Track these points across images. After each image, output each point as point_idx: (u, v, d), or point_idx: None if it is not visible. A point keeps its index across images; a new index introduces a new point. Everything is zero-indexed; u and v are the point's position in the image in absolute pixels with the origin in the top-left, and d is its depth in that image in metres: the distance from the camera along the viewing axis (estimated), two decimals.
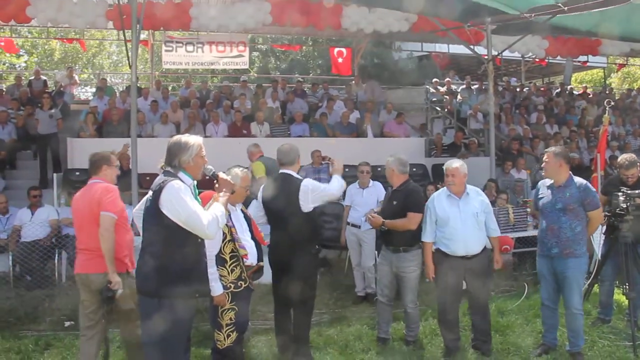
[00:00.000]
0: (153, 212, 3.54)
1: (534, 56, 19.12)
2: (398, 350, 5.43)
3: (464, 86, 16.65)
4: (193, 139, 3.69)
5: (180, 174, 3.60)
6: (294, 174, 5.09)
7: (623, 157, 6.13)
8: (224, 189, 3.79)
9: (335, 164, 5.14)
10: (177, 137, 3.71)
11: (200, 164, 3.71)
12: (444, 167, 5.36)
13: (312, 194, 4.92)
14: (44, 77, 15.93)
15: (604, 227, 6.21)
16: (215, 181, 3.83)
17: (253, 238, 4.63)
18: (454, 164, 5.27)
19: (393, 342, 5.63)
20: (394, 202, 5.46)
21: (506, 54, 18.72)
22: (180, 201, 3.47)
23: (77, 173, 10.76)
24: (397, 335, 5.78)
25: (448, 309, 5.34)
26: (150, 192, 3.63)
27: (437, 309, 5.48)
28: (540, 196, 5.37)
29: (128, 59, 9.20)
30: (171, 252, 3.55)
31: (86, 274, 4.64)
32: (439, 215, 5.28)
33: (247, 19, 11.16)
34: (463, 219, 5.18)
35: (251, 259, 4.55)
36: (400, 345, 5.55)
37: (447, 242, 5.24)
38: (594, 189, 5.42)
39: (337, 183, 4.99)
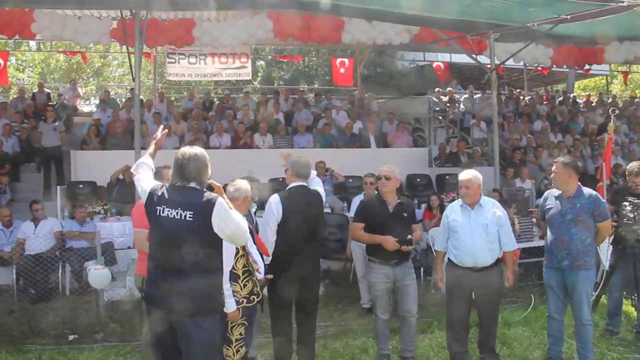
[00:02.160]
0: (197, 230, 3.49)
1: (536, 65, 19.23)
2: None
3: (467, 95, 16.65)
4: (203, 151, 3.70)
5: (209, 192, 3.62)
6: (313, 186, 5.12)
7: (633, 164, 6.11)
8: (224, 196, 3.77)
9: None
10: (196, 152, 3.65)
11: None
12: (458, 179, 5.29)
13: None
14: (47, 90, 15.98)
15: (611, 238, 6.18)
16: (210, 191, 3.82)
17: (257, 250, 4.61)
18: (467, 175, 5.21)
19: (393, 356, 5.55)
20: (405, 215, 5.35)
21: (509, 63, 18.88)
22: (231, 217, 3.52)
23: (81, 185, 10.79)
24: (394, 350, 5.66)
25: (455, 320, 5.30)
26: (177, 211, 3.51)
27: (446, 319, 5.42)
28: (548, 206, 5.29)
29: (131, 72, 9.24)
30: (215, 267, 3.60)
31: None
32: (450, 224, 5.26)
33: (249, 37, 11.23)
34: (472, 230, 5.12)
35: (261, 273, 4.54)
36: None
37: (455, 252, 5.22)
38: (604, 200, 5.37)
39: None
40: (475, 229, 5.13)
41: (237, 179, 4.72)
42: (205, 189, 3.60)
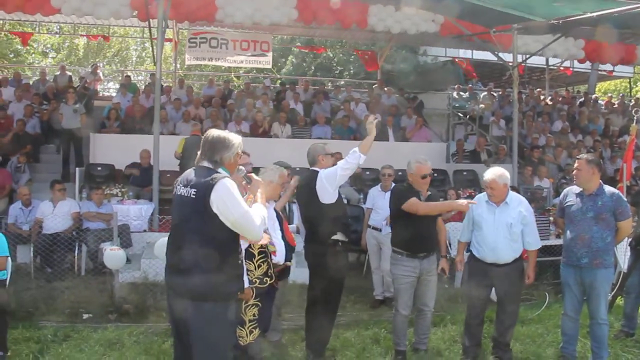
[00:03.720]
0: (201, 211, 3.37)
1: (558, 64, 19.03)
2: (415, 356, 5.35)
3: (485, 93, 16.53)
4: (235, 137, 3.60)
5: (222, 171, 3.49)
6: (320, 169, 5.02)
7: None
8: (258, 190, 3.75)
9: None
10: (218, 133, 3.59)
11: (237, 162, 3.65)
12: (485, 177, 5.23)
13: (326, 180, 4.90)
14: (69, 73, 16.12)
15: (630, 239, 6.12)
16: (246, 182, 3.80)
17: (283, 238, 4.60)
18: (491, 175, 5.15)
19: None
20: None
21: (530, 61, 18.69)
22: (234, 200, 3.36)
23: (99, 168, 10.89)
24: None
25: (473, 313, 5.30)
26: (187, 189, 3.46)
27: (466, 311, 5.40)
28: (568, 203, 5.22)
29: (153, 56, 9.27)
30: (222, 253, 3.41)
31: None
32: (475, 219, 5.26)
33: (273, 10, 11.13)
34: (496, 227, 5.11)
35: (279, 258, 4.53)
36: (416, 352, 5.42)
37: (477, 247, 5.23)
38: (625, 199, 5.30)
39: (351, 155, 4.92)
40: (499, 227, 5.11)
41: (270, 165, 4.70)
42: (218, 170, 3.49)
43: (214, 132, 3.61)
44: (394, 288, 5.40)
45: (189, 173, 3.57)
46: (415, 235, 5.10)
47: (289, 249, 4.72)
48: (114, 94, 16.21)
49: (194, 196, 3.40)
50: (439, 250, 5.37)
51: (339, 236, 4.96)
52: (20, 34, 19.88)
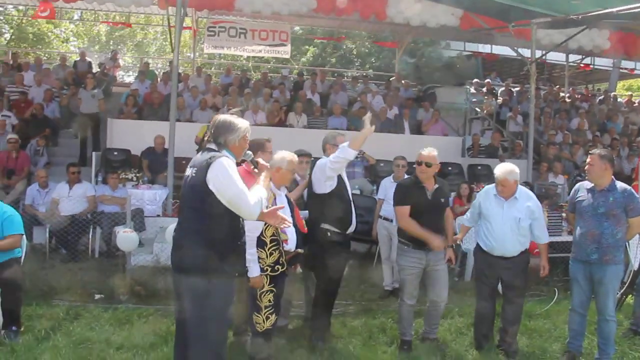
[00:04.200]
0: (198, 189, 3.45)
1: (578, 61, 18.83)
2: (421, 346, 5.37)
3: (503, 88, 16.43)
4: (241, 122, 3.66)
5: (224, 152, 3.55)
6: (346, 143, 5.01)
7: None
8: (263, 174, 3.81)
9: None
10: (225, 116, 3.67)
11: (244, 146, 3.70)
12: (497, 175, 5.20)
13: (318, 170, 5.02)
14: (89, 59, 16.26)
15: None
16: (253, 167, 3.84)
17: (295, 225, 4.63)
18: (502, 174, 5.14)
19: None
20: (442, 200, 5.26)
21: (550, 58, 18.52)
22: (229, 178, 3.42)
23: (116, 153, 11.00)
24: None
25: (484, 302, 5.33)
26: (191, 169, 3.57)
27: (476, 303, 5.44)
28: (579, 199, 5.19)
29: (171, 43, 9.33)
30: (216, 231, 3.49)
31: None
32: (483, 211, 5.28)
33: (292, 0, 11.18)
34: (504, 221, 5.13)
35: (290, 245, 4.56)
36: (424, 341, 5.45)
37: (486, 240, 5.25)
38: (638, 195, 5.26)
39: (341, 150, 4.96)
40: (508, 221, 5.13)
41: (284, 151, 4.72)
42: (221, 151, 3.55)
43: (220, 116, 3.70)
44: (400, 278, 5.43)
45: (196, 155, 3.66)
46: (421, 227, 5.09)
47: (300, 235, 4.75)
48: (132, 81, 16.35)
49: (194, 175, 3.51)
50: (447, 239, 5.36)
51: (327, 226, 5.03)
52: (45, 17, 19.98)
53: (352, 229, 5.24)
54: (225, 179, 3.41)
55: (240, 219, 3.65)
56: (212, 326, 3.53)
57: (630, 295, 6.27)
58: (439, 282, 5.26)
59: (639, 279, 6.03)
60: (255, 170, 3.84)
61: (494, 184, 5.35)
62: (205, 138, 3.65)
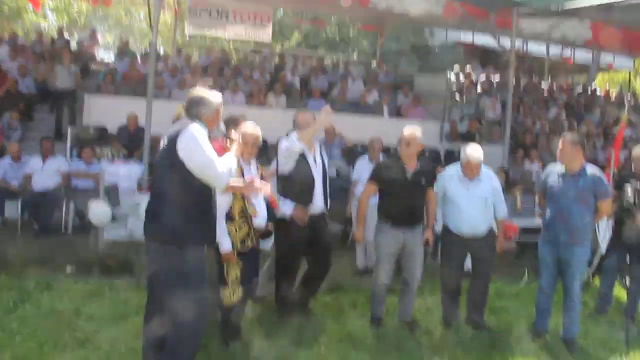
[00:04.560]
0: (169, 158, 3.50)
1: (559, 53, 19.00)
2: (391, 322, 5.43)
3: (484, 77, 16.53)
4: (214, 95, 3.74)
5: (196, 122, 3.59)
6: (295, 135, 5.02)
7: (638, 149, 6.07)
8: (233, 146, 3.86)
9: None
10: (199, 90, 3.75)
11: (217, 120, 3.76)
12: (466, 157, 5.23)
13: (279, 153, 5.09)
14: (67, 36, 16.01)
15: (611, 222, 6.19)
16: (226, 141, 3.86)
17: (266, 200, 4.62)
18: (476, 154, 5.20)
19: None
20: (423, 181, 5.23)
21: (531, 50, 18.67)
22: (198, 146, 3.45)
23: (91, 129, 10.86)
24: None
25: (451, 282, 5.40)
26: (163, 140, 3.62)
27: (440, 281, 5.52)
28: (550, 182, 5.28)
29: (150, 22, 9.22)
30: (187, 200, 3.53)
31: None
32: (449, 194, 5.31)
33: None
34: (471, 201, 5.21)
35: (260, 220, 4.56)
36: (393, 320, 5.51)
37: (454, 221, 5.30)
38: (607, 180, 5.35)
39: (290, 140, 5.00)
40: (474, 200, 5.22)
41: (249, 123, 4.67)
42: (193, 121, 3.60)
43: (195, 91, 3.75)
44: (376, 256, 5.43)
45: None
46: (400, 207, 5.14)
47: (271, 211, 4.75)
48: (110, 60, 16.14)
49: (165, 145, 3.56)
50: (427, 221, 5.40)
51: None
52: None
53: (315, 209, 5.18)
54: (194, 146, 3.45)
55: (212, 190, 3.66)
56: (186, 295, 3.52)
57: (597, 278, 6.37)
58: (414, 262, 5.29)
59: (605, 261, 6.13)
60: (227, 143, 3.86)
61: (454, 166, 5.42)
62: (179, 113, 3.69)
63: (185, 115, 3.68)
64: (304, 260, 5.41)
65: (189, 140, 3.46)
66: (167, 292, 3.56)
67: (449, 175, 5.40)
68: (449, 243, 5.41)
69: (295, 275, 5.37)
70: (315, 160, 5.20)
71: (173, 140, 3.48)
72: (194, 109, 3.65)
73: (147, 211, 3.69)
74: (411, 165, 5.18)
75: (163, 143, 3.62)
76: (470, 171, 5.22)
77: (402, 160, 5.19)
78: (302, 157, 5.11)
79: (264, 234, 4.77)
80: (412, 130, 5.19)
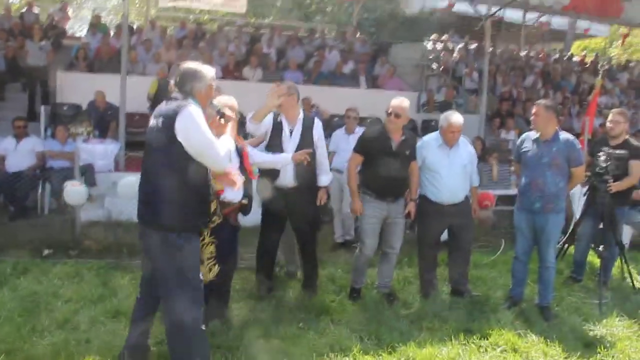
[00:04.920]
0: (166, 139, 3.35)
1: (535, 19, 18.97)
2: (369, 294, 5.49)
3: (462, 45, 16.50)
4: (207, 69, 3.58)
5: (190, 101, 3.44)
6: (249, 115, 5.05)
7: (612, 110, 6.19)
8: (229, 124, 3.78)
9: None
10: (190, 64, 3.59)
11: (210, 95, 3.63)
12: (447, 121, 5.26)
13: None
14: (36, 11, 15.61)
15: (585, 189, 6.28)
16: (219, 117, 3.79)
17: (243, 172, 4.55)
18: (458, 119, 5.25)
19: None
20: (407, 152, 5.27)
21: (508, 17, 18.58)
22: (198, 128, 3.33)
23: (65, 107, 10.71)
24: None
25: (430, 252, 5.50)
26: (156, 119, 3.46)
27: (418, 252, 5.60)
28: (524, 149, 5.34)
29: None
30: (184, 184, 3.41)
31: None
32: (429, 162, 5.34)
33: None
34: (452, 170, 5.27)
35: (232, 196, 4.48)
36: (371, 292, 5.57)
37: (433, 190, 5.33)
38: (580, 146, 5.41)
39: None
40: (455, 168, 5.29)
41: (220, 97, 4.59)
42: (187, 99, 3.45)
43: (186, 64, 3.60)
44: (360, 228, 5.43)
45: (161, 104, 3.56)
46: (385, 178, 5.17)
47: (250, 184, 4.70)
48: (83, 35, 15.81)
49: (160, 125, 3.40)
50: (410, 192, 5.44)
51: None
52: None
53: (283, 182, 5.15)
54: (194, 129, 3.33)
55: (208, 173, 3.61)
56: (184, 280, 3.48)
57: (572, 246, 6.48)
58: (394, 234, 5.35)
59: (579, 228, 6.23)
60: (222, 120, 3.78)
61: (433, 135, 5.46)
62: (169, 88, 3.56)
63: (177, 91, 3.51)
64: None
65: (188, 121, 3.32)
66: (165, 278, 3.50)
67: (428, 143, 5.43)
68: (427, 212, 5.43)
69: (274, 249, 5.42)
70: (291, 133, 5.17)
71: (170, 120, 3.34)
72: (188, 84, 3.48)
73: (140, 195, 3.59)
74: (396, 137, 5.20)
75: (156, 122, 3.45)
76: (452, 136, 5.25)
77: (387, 132, 5.20)
78: (278, 130, 5.14)
79: (242, 209, 4.71)
80: (401, 101, 5.20)
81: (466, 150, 5.40)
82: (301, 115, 5.22)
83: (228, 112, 3.82)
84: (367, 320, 4.89)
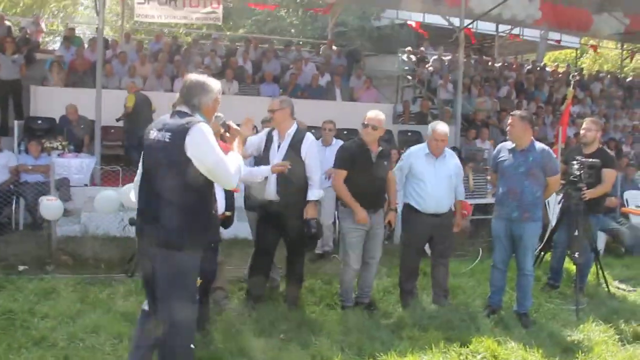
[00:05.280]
0: (175, 155, 3.27)
1: (507, 31, 19.32)
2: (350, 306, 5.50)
3: (436, 56, 16.69)
4: (214, 82, 3.52)
5: (197, 116, 3.39)
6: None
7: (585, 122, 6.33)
8: (236, 139, 3.71)
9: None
10: (197, 76, 3.50)
11: (216, 108, 3.56)
12: (433, 130, 5.36)
13: None
14: (8, 23, 15.43)
15: (560, 197, 6.38)
16: (224, 131, 3.76)
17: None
18: (444, 128, 5.37)
19: None
20: (385, 162, 5.35)
21: (481, 28, 18.88)
22: (209, 146, 3.27)
23: (39, 121, 10.62)
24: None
25: (412, 261, 5.54)
26: (162, 133, 3.35)
27: (400, 261, 5.64)
28: (501, 159, 5.43)
29: (96, 7, 8.99)
30: (190, 201, 3.34)
31: None
32: (415, 172, 5.40)
33: None
34: (438, 179, 5.33)
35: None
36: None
37: (418, 199, 5.38)
38: (555, 155, 5.52)
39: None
40: (441, 178, 5.36)
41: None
42: (194, 114, 3.39)
43: (192, 76, 3.52)
44: (345, 243, 5.39)
45: (164, 118, 3.48)
46: (366, 190, 5.21)
47: (232, 197, 4.71)
48: (57, 48, 15.67)
49: (168, 140, 3.31)
50: (389, 202, 5.48)
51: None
52: None
53: (269, 195, 5.14)
54: (206, 146, 3.26)
55: (212, 189, 3.58)
56: (185, 296, 3.41)
57: (548, 253, 6.57)
58: (375, 244, 5.39)
59: (555, 235, 6.33)
60: (227, 134, 3.77)
61: (421, 145, 5.53)
62: (176, 100, 3.49)
63: (183, 104, 3.43)
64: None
65: (200, 139, 3.25)
66: (167, 294, 3.39)
67: (415, 152, 5.52)
68: (411, 221, 5.50)
69: (263, 260, 5.38)
70: (278, 147, 5.18)
71: (180, 135, 3.25)
72: (195, 98, 3.41)
73: (142, 211, 3.49)
74: (374, 148, 5.26)
75: (162, 136, 3.34)
76: (436, 144, 5.33)
77: (365, 144, 5.24)
78: (269, 143, 5.19)
79: (223, 222, 4.71)
80: (377, 113, 5.27)
81: (452, 162, 5.47)
82: (292, 130, 5.20)
83: (233, 126, 3.78)
84: (348, 330, 4.89)
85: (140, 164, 3.66)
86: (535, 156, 5.23)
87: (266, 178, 5.09)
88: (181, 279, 3.37)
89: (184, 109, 3.42)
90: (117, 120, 10.30)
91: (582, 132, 6.31)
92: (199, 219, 3.41)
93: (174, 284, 3.36)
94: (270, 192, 5.13)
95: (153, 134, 3.42)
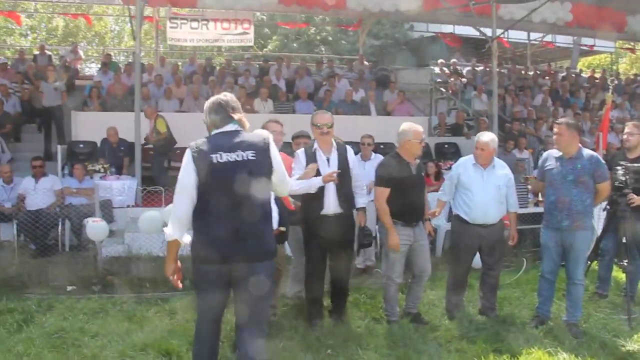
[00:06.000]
0: (264, 170, 3.45)
1: (539, 39, 19.13)
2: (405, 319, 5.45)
3: (469, 68, 16.62)
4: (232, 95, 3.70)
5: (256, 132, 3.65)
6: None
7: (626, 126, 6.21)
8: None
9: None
10: (226, 94, 3.64)
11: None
12: (477, 139, 5.40)
13: None
14: (48, 53, 15.93)
15: (604, 204, 6.25)
16: None
17: (278, 201, 4.57)
18: (484, 137, 5.34)
19: None
20: (422, 174, 5.44)
21: (513, 37, 18.74)
22: (280, 158, 3.58)
23: (81, 145, 10.87)
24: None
25: (460, 274, 5.51)
26: (236, 153, 3.37)
27: (449, 272, 5.64)
28: (548, 167, 5.33)
29: (133, 34, 9.22)
30: (270, 211, 3.59)
31: None
32: (463, 181, 5.39)
33: (253, 0, 11.20)
34: (485, 189, 5.30)
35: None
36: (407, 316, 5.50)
37: (467, 210, 5.36)
38: (604, 161, 5.41)
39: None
40: (489, 188, 5.30)
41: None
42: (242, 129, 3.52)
43: (223, 97, 3.57)
44: (389, 257, 5.36)
45: (222, 140, 3.45)
46: (409, 204, 5.21)
47: (286, 213, 4.75)
48: (95, 74, 16.09)
49: (252, 157, 3.39)
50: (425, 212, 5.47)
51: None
52: (9, 14, 19.38)
53: (328, 210, 5.12)
54: (279, 157, 3.56)
55: None
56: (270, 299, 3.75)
57: (595, 262, 6.44)
58: (422, 256, 5.36)
59: (602, 243, 6.20)
60: None
61: (469, 156, 5.51)
62: (211, 121, 3.57)
63: (227, 124, 3.48)
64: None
65: (276, 152, 3.53)
66: (261, 303, 3.53)
67: (463, 164, 5.51)
68: (460, 232, 5.48)
69: (320, 276, 5.32)
70: (329, 162, 5.18)
71: (265, 151, 3.45)
72: (237, 113, 3.51)
73: (241, 231, 3.38)
74: (413, 162, 5.27)
75: (245, 155, 3.38)
76: (479, 153, 5.32)
77: (403, 158, 5.25)
78: (312, 160, 5.14)
79: (277, 237, 4.72)
80: (418, 127, 5.28)
81: (502, 172, 5.41)
82: (335, 144, 5.26)
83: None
84: (394, 344, 4.86)
85: (188, 191, 3.41)
86: (583, 163, 5.13)
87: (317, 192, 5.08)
88: (263, 291, 3.45)
89: (236, 127, 3.49)
90: (144, 145, 10.36)
91: (624, 136, 6.17)
92: (272, 229, 3.68)
93: (257, 297, 3.44)
94: (330, 205, 5.12)
95: (223, 156, 3.37)
